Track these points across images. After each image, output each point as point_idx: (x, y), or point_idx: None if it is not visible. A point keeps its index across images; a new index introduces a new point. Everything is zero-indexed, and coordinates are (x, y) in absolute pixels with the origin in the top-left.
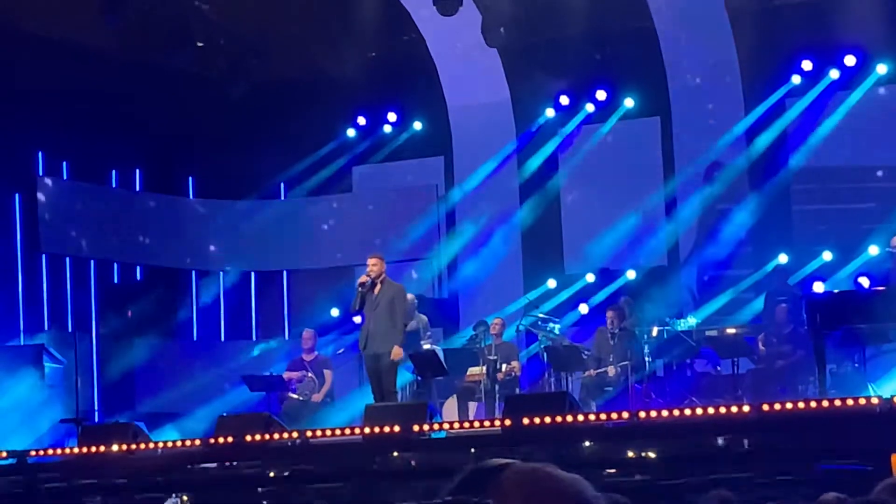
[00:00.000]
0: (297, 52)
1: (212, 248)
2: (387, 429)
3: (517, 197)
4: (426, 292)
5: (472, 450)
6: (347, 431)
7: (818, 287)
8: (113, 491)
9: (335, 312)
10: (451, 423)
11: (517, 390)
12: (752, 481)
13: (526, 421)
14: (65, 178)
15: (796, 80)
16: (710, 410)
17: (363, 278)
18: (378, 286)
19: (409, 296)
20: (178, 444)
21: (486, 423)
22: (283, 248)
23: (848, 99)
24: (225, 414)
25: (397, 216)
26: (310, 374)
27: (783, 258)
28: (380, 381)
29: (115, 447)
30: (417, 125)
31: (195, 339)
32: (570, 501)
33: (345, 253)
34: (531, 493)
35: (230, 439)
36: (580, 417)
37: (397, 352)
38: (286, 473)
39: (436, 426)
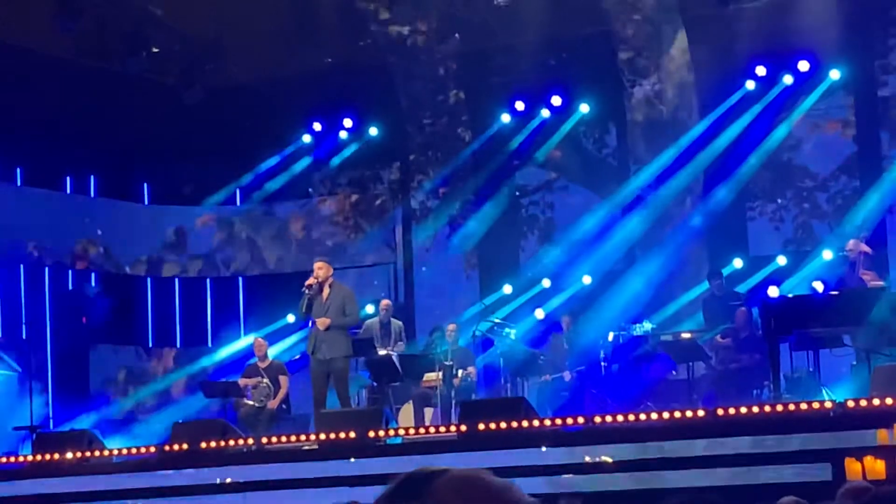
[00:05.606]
0: (253, 58)
1: (167, 254)
2: (342, 435)
3: (473, 201)
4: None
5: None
6: (303, 438)
7: (772, 291)
8: (67, 499)
9: (291, 318)
10: (406, 429)
11: (473, 395)
12: (706, 485)
13: (482, 426)
14: (18, 184)
15: (751, 85)
16: (666, 415)
17: (310, 281)
18: (326, 290)
19: (386, 301)
20: (134, 451)
21: (443, 429)
22: (238, 254)
23: (802, 104)
24: (180, 421)
25: (353, 221)
26: (265, 381)
27: (738, 263)
28: (325, 386)
29: (69, 455)
30: (373, 131)
31: (150, 345)
32: None
33: (300, 258)
34: (467, 500)
35: (185, 446)
36: (536, 422)
37: (325, 321)
38: (242, 480)
39: (391, 432)
